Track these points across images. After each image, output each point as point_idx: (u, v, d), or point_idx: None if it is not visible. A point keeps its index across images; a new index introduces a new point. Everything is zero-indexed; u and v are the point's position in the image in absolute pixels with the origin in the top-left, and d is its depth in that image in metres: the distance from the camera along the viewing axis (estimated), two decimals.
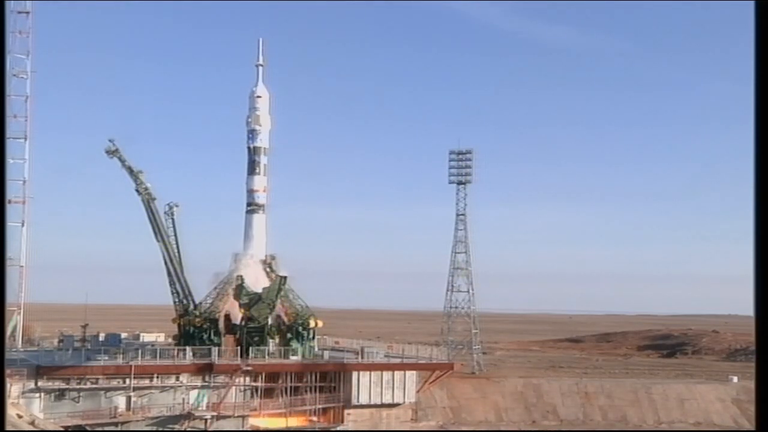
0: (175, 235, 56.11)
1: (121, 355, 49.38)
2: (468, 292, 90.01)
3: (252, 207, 58.23)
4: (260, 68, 59.15)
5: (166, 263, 55.40)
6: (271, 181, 59.38)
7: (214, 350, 50.91)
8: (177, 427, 48.14)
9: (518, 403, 64.00)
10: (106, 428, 46.38)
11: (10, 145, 55.43)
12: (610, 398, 68.67)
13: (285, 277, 55.09)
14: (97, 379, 46.87)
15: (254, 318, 54.10)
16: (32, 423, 41.45)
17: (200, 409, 48.68)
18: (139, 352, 50.36)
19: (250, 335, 53.70)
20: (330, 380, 51.89)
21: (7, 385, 41.03)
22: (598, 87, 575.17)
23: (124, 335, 63.29)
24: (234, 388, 49.79)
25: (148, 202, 54.87)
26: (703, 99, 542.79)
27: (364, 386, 51.40)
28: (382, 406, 51.94)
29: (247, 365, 50.15)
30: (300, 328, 55.14)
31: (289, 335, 54.94)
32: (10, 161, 54.79)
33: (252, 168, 58.25)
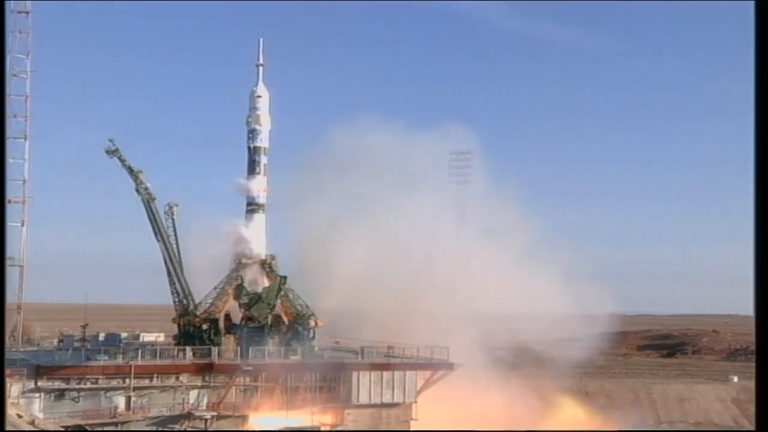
0: (175, 235, 56.16)
1: (121, 355, 49.38)
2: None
3: (252, 207, 58.26)
4: (260, 68, 59.19)
5: (166, 263, 55.47)
6: (271, 181, 59.39)
7: (214, 350, 51.00)
8: (177, 427, 48.16)
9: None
10: (106, 428, 46.38)
11: (10, 145, 55.39)
12: (610, 398, 68.77)
13: (285, 277, 55.31)
14: (97, 379, 46.83)
15: (254, 318, 54.22)
16: (32, 423, 41.45)
17: (200, 408, 48.70)
18: (139, 352, 50.31)
19: (250, 335, 53.79)
20: (330, 380, 51.91)
21: (7, 385, 41.03)
22: (599, 86, 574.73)
23: (124, 335, 63.24)
24: (234, 387, 49.83)
25: (148, 201, 54.99)
26: (703, 98, 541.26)
27: (364, 386, 51.42)
28: (382, 406, 51.96)
29: (247, 365, 50.20)
30: (300, 328, 55.18)
31: (289, 335, 54.98)
32: (10, 161, 54.71)
33: (252, 168, 58.29)
